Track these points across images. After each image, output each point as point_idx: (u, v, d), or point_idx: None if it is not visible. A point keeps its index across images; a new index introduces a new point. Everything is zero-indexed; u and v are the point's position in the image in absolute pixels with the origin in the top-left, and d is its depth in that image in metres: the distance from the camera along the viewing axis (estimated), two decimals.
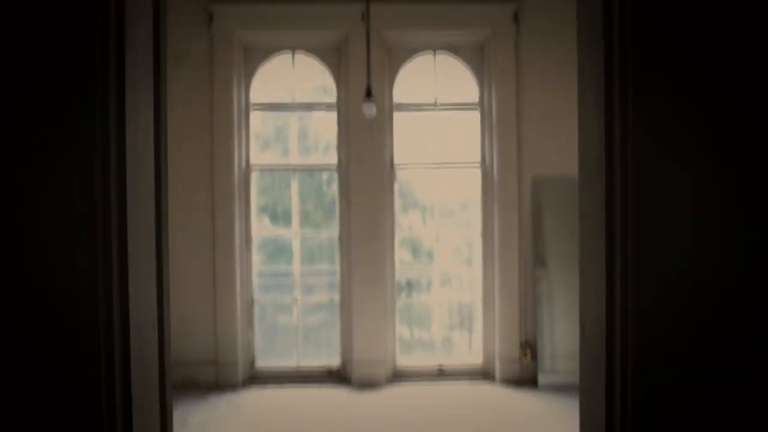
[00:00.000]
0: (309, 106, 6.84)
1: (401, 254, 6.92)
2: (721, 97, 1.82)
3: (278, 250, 6.93)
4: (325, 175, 6.94)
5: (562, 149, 6.33)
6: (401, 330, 6.91)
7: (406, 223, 7.04)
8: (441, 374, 6.68)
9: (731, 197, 1.82)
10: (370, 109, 5.88)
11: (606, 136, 1.87)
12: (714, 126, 1.82)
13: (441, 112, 6.76)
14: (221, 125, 6.39)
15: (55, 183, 1.74)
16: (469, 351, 7.00)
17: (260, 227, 6.84)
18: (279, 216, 6.92)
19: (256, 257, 6.75)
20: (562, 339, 6.38)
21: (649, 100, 1.82)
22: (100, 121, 1.76)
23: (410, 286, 7.11)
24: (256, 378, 6.58)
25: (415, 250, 7.19)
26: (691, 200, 1.82)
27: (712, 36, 1.82)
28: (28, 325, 1.78)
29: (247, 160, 6.60)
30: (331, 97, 6.73)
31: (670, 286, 1.82)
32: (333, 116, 6.71)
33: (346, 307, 6.61)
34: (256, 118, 6.79)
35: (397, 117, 6.71)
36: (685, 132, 1.82)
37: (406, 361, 6.78)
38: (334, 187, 6.77)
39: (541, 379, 6.34)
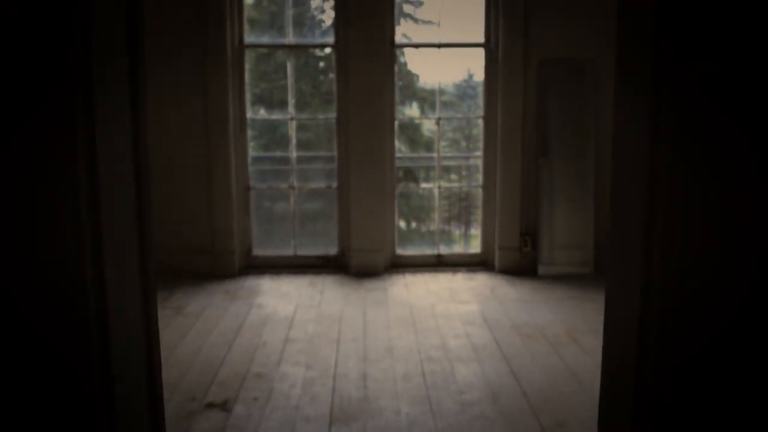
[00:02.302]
0: None
1: (400, 146, 6.70)
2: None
3: (274, 141, 6.70)
4: (323, 63, 6.64)
5: (570, 31, 6.05)
6: (400, 222, 6.79)
7: (406, 113, 6.79)
8: (440, 263, 6.61)
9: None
10: None
11: (651, 154, 1.77)
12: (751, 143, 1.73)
13: None
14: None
15: None
16: (469, 241, 6.92)
17: (255, 114, 6.58)
18: (275, 104, 6.65)
19: (251, 144, 6.53)
20: (562, 230, 6.27)
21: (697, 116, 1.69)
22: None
23: (410, 176, 6.94)
24: (253, 266, 6.50)
25: (413, 141, 6.99)
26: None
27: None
28: None
29: (240, 38, 6.25)
30: None
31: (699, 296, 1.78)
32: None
33: (344, 194, 6.44)
34: None
35: None
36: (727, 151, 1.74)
37: (404, 250, 6.70)
38: (332, 76, 6.46)
39: (541, 269, 6.27)
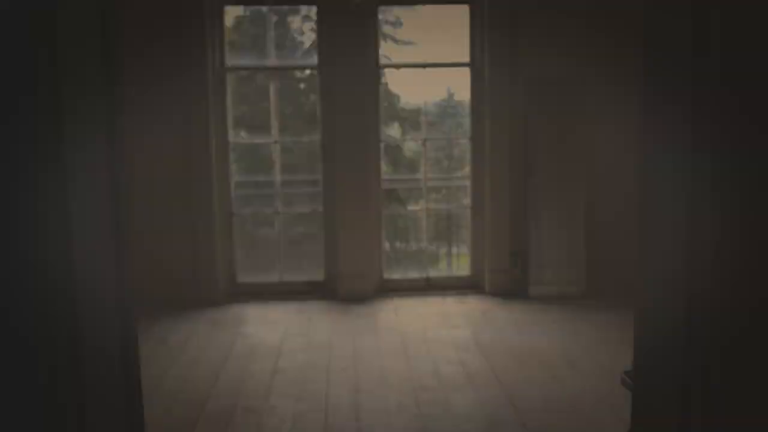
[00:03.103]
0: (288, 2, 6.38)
1: (384, 167, 6.59)
2: None
3: (255, 164, 6.57)
4: (304, 85, 6.56)
5: (557, 50, 6.01)
6: (387, 243, 6.66)
7: (389, 134, 6.70)
8: (429, 287, 6.49)
9: None
10: None
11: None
12: None
13: (429, 7, 6.29)
14: (190, 21, 5.89)
15: None
16: (453, 262, 6.81)
17: (236, 136, 6.44)
18: (255, 127, 6.53)
19: (233, 168, 6.39)
20: (552, 250, 6.18)
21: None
22: None
23: (397, 198, 6.84)
24: (238, 294, 6.34)
25: (396, 161, 6.90)
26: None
27: None
28: None
29: (222, 61, 6.14)
30: None
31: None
32: (312, 18, 6.26)
33: (330, 218, 6.32)
34: (229, 18, 6.31)
35: (383, 13, 6.29)
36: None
37: (392, 274, 6.57)
38: (313, 98, 6.35)
39: (532, 290, 6.16)
